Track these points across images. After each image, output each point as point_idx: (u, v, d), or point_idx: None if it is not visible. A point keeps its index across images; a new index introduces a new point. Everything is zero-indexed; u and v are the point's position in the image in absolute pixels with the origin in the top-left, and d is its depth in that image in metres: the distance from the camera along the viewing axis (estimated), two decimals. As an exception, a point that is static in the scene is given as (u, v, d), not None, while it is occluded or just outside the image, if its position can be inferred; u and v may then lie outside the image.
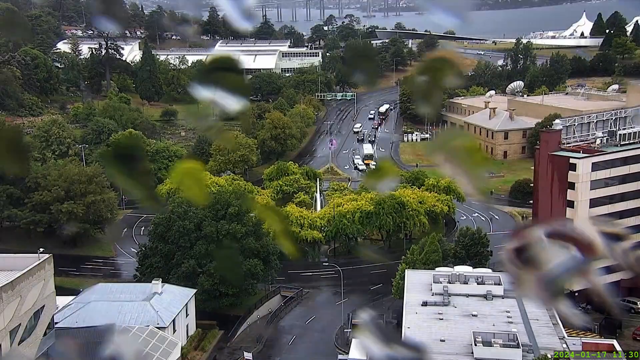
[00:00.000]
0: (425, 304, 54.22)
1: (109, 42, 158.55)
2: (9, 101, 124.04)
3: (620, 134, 73.01)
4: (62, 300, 52.62)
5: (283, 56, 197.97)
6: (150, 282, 60.30)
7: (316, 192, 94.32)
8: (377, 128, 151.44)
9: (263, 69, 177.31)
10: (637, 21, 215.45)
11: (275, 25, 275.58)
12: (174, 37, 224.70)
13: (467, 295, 55.11)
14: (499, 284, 55.69)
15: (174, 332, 56.23)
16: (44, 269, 43.71)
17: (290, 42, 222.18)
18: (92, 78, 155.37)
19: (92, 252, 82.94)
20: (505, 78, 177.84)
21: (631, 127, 74.76)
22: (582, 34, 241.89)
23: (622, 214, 70.28)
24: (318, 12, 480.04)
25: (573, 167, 67.98)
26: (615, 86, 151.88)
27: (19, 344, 40.93)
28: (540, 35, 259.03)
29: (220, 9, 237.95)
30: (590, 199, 68.67)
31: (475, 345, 45.40)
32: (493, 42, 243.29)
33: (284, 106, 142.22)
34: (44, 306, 43.62)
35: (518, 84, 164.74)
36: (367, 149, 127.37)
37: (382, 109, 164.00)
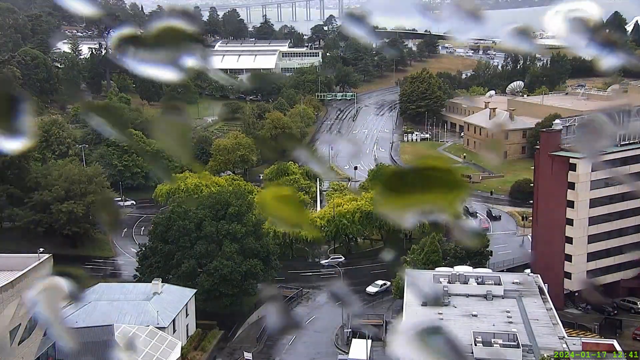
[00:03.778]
0: (425, 304, 54.22)
1: (108, 42, 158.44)
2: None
3: (620, 134, 72.95)
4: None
5: (283, 56, 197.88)
6: (150, 282, 60.33)
7: (317, 191, 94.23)
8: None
9: (263, 69, 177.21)
10: (637, 21, 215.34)
11: (275, 25, 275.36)
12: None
13: (467, 295, 55.09)
14: (499, 284, 55.69)
15: (174, 332, 56.20)
16: (44, 268, 43.66)
17: (290, 42, 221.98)
18: (93, 78, 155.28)
19: (92, 252, 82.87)
20: (505, 78, 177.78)
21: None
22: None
23: (622, 214, 70.28)
24: (318, 12, 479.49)
25: (573, 167, 67.93)
26: (616, 86, 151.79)
27: (19, 344, 40.88)
28: (541, 35, 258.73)
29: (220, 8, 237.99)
30: (590, 199, 68.64)
31: (475, 345, 45.38)
32: (492, 42, 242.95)
33: (284, 106, 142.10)
34: (44, 306, 43.53)
35: (518, 84, 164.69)
36: None
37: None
